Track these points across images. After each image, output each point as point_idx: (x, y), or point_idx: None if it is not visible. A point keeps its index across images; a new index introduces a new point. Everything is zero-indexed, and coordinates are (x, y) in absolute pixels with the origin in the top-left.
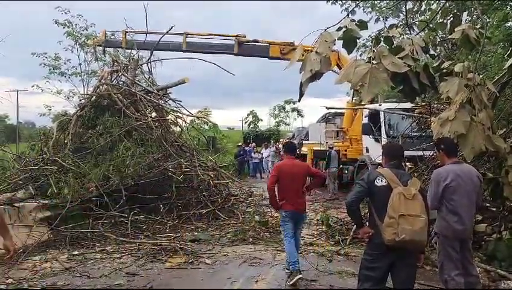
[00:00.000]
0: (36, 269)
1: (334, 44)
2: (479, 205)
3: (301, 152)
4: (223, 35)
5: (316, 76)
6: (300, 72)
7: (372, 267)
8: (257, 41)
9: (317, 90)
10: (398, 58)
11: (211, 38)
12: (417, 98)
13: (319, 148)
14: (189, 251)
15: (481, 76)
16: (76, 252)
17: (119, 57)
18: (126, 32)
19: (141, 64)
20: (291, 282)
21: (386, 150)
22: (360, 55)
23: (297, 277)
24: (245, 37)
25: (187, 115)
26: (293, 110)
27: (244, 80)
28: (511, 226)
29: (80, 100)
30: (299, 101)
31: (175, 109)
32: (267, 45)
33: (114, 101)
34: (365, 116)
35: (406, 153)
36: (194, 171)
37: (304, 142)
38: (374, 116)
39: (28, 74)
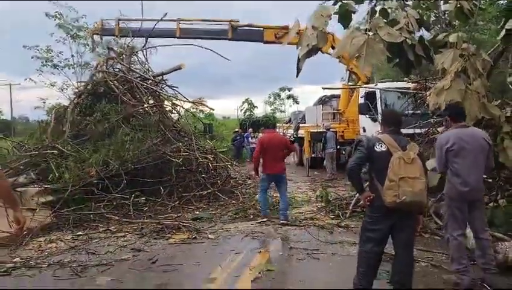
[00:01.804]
0: (42, 249)
1: (330, 18)
2: (490, 167)
3: (298, 135)
4: (216, 21)
5: (312, 51)
6: (297, 48)
7: (373, 229)
8: (251, 26)
9: (312, 77)
10: None
11: (205, 24)
12: (412, 71)
13: (315, 131)
14: (192, 228)
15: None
16: (80, 233)
17: (115, 45)
18: (120, 20)
19: (136, 52)
20: (260, 220)
21: (384, 116)
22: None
23: (265, 219)
24: (238, 21)
25: (184, 101)
26: (289, 97)
27: (238, 69)
28: (507, 194)
29: (77, 87)
30: (296, 76)
31: (172, 95)
32: (261, 29)
33: (110, 88)
34: (361, 97)
35: (403, 131)
36: (193, 155)
37: (300, 125)
38: (370, 96)
39: (19, 69)
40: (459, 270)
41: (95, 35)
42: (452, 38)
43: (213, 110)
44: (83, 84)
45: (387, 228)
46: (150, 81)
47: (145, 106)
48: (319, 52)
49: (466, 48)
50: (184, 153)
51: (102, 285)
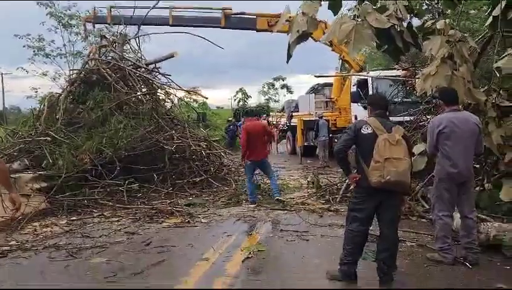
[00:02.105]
0: (37, 233)
1: (321, 5)
2: (480, 151)
3: (291, 124)
4: (209, 9)
5: (303, 37)
6: (288, 34)
7: (359, 209)
8: (244, 14)
9: (307, 66)
10: None
11: (198, 12)
12: (402, 58)
13: (308, 119)
14: (185, 213)
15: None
16: (74, 218)
17: (107, 33)
18: (112, 7)
19: (129, 39)
20: (249, 206)
21: (371, 100)
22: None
23: (254, 205)
24: (231, 9)
25: (177, 89)
26: (283, 86)
27: (232, 59)
28: (493, 179)
29: (69, 75)
30: (287, 62)
31: (165, 84)
32: (254, 17)
33: (103, 76)
34: (353, 85)
35: (394, 119)
36: (186, 143)
37: (293, 114)
38: (362, 84)
39: (10, 58)
40: (443, 248)
41: (87, 23)
42: (439, 25)
43: (206, 98)
44: (75, 71)
45: (372, 208)
46: (143, 69)
47: (138, 94)
48: (313, 40)
49: (453, 34)
50: (177, 141)
51: (96, 266)
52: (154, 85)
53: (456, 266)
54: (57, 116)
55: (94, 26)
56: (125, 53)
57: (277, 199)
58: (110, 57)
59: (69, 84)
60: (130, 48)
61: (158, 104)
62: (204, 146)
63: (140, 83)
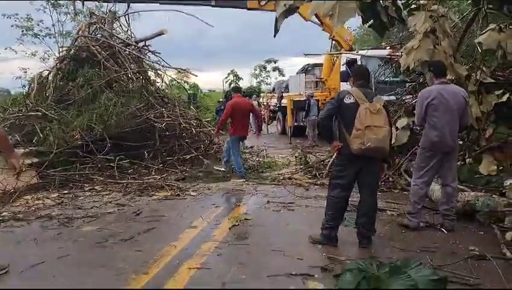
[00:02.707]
0: (29, 205)
1: None
2: (465, 123)
3: (281, 104)
4: None
5: (290, 11)
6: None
7: (340, 176)
8: None
9: (298, 49)
10: None
11: None
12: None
13: (298, 99)
14: (175, 187)
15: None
16: (66, 192)
17: (97, 11)
18: None
19: (119, 17)
20: (236, 180)
21: (354, 71)
22: None
23: (242, 180)
24: None
25: (167, 67)
26: (274, 69)
27: (224, 42)
28: (474, 154)
29: (59, 52)
30: (274, 37)
31: (155, 62)
32: None
33: (93, 54)
34: (343, 64)
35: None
36: (176, 120)
37: (283, 94)
38: (351, 63)
39: None
40: (411, 212)
41: (76, 2)
42: (423, 0)
43: (196, 76)
44: (65, 49)
45: (353, 174)
46: (133, 47)
47: (127, 71)
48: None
49: (435, 9)
50: (167, 119)
51: (88, 233)
52: (144, 63)
53: (432, 232)
54: (47, 94)
55: (83, 5)
56: (114, 31)
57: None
58: (99, 35)
59: (58, 61)
60: (120, 25)
61: (148, 82)
62: (194, 124)
63: (130, 60)
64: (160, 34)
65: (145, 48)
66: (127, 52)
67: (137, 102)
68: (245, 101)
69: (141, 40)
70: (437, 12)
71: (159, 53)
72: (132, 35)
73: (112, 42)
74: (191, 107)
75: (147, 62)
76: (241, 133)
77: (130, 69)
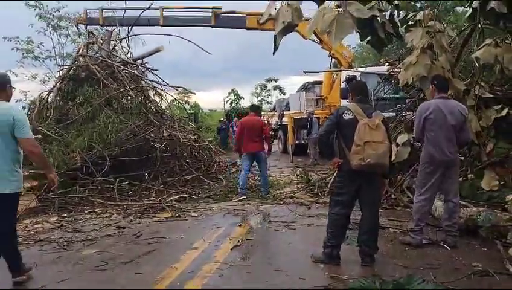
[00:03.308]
0: (28, 229)
1: None
2: (466, 139)
3: (282, 123)
4: (199, 8)
5: (288, 28)
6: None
7: (341, 193)
8: (234, 13)
9: (298, 68)
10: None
11: (188, 11)
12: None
13: (299, 117)
14: (176, 208)
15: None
16: (65, 215)
17: (99, 33)
18: (104, 9)
19: (120, 40)
20: (237, 199)
21: (352, 87)
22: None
23: (242, 197)
24: (221, 8)
25: (164, 85)
26: (275, 88)
27: (224, 61)
28: (475, 169)
29: (58, 71)
30: (273, 54)
31: (153, 82)
32: (244, 16)
33: (92, 72)
34: (343, 82)
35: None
36: (176, 136)
37: (284, 112)
38: (351, 80)
39: None
40: (413, 229)
41: (80, 25)
42: (419, 16)
43: (194, 93)
44: (65, 68)
45: (353, 191)
46: (130, 65)
47: (126, 88)
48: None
49: (432, 25)
50: (166, 134)
51: (88, 256)
52: (142, 81)
53: (435, 248)
54: (48, 114)
55: (86, 28)
56: (113, 50)
57: (263, 196)
58: (99, 54)
59: (58, 81)
60: (121, 47)
61: (147, 99)
62: (193, 139)
63: (129, 78)
64: (156, 51)
65: (143, 65)
66: (125, 71)
67: (136, 119)
68: (256, 119)
69: (138, 58)
70: (434, 28)
71: (157, 70)
72: (130, 54)
73: (110, 61)
74: (189, 123)
75: (145, 80)
76: (250, 150)
77: (129, 87)
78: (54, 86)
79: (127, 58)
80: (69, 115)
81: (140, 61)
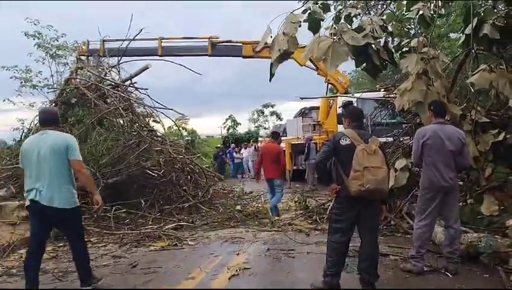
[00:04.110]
0: (23, 259)
1: (300, 25)
2: (465, 165)
3: None
4: (196, 38)
5: (284, 55)
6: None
7: (339, 220)
8: (230, 42)
9: (294, 94)
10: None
11: (185, 41)
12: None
13: (296, 143)
14: (173, 236)
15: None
16: (61, 244)
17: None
18: (105, 41)
19: (112, 67)
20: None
21: (348, 113)
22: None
23: (276, 218)
24: (218, 38)
25: (154, 108)
26: (272, 113)
27: (221, 87)
28: (475, 194)
29: (47, 92)
30: (269, 81)
31: (147, 106)
32: (240, 44)
33: (83, 94)
34: (339, 107)
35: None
36: (166, 151)
37: (281, 138)
38: (347, 106)
39: None
40: (414, 256)
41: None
42: (413, 43)
43: (188, 118)
44: (56, 89)
45: (352, 217)
46: (120, 86)
47: (116, 106)
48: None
49: (426, 51)
50: (157, 149)
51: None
52: (131, 100)
53: (437, 276)
54: None
55: (88, 59)
56: (101, 69)
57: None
58: (88, 78)
59: (50, 104)
60: (106, 66)
61: (137, 118)
62: (184, 152)
63: (118, 99)
64: (144, 69)
65: (132, 85)
66: (115, 94)
67: (127, 137)
68: (274, 146)
69: (127, 79)
70: (428, 54)
71: (147, 89)
72: (119, 76)
73: (100, 85)
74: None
75: (134, 100)
76: (268, 176)
77: (119, 106)
78: None
79: (116, 80)
80: None
81: (129, 82)
